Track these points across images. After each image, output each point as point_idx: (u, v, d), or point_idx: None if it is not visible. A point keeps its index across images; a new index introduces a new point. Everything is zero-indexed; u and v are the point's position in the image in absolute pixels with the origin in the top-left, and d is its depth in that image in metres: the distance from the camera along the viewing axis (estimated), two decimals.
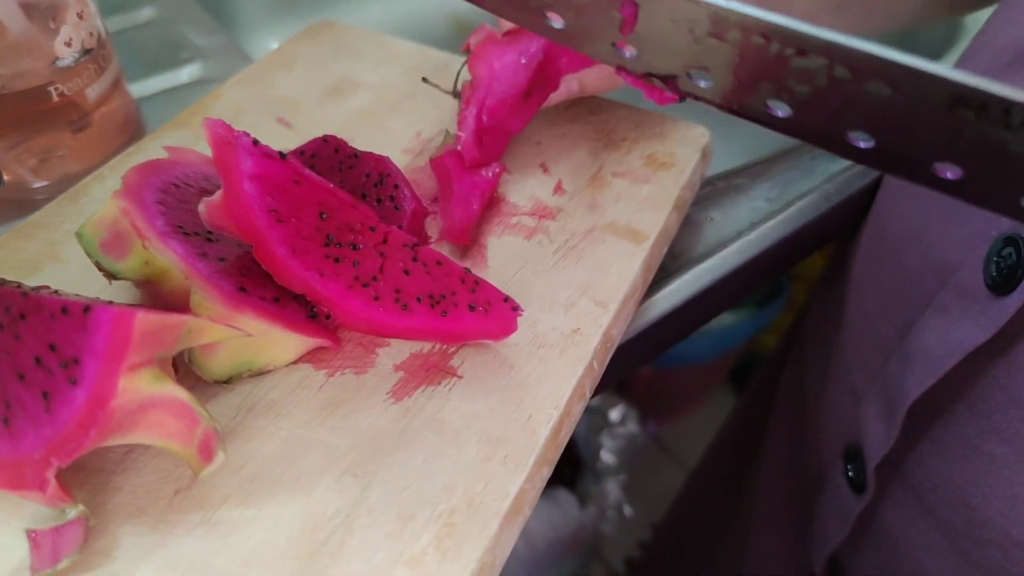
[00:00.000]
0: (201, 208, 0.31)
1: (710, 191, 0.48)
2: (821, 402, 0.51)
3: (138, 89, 0.52)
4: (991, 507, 0.35)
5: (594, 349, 0.33)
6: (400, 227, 0.35)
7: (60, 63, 0.41)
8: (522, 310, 0.32)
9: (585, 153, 0.43)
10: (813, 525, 0.49)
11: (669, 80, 0.26)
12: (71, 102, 0.42)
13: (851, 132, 0.23)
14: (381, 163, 0.37)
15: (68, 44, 0.40)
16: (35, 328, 0.26)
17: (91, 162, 0.45)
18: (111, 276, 0.32)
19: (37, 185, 0.45)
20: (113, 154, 0.46)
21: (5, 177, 0.42)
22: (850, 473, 0.44)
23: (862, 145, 0.23)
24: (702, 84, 0.26)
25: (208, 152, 0.37)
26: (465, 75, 0.41)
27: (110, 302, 0.30)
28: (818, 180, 0.50)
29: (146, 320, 0.25)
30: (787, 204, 0.48)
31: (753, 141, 0.57)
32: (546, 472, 0.31)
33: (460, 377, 0.32)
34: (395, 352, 0.33)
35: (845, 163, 0.52)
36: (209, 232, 0.33)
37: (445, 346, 0.33)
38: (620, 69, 0.27)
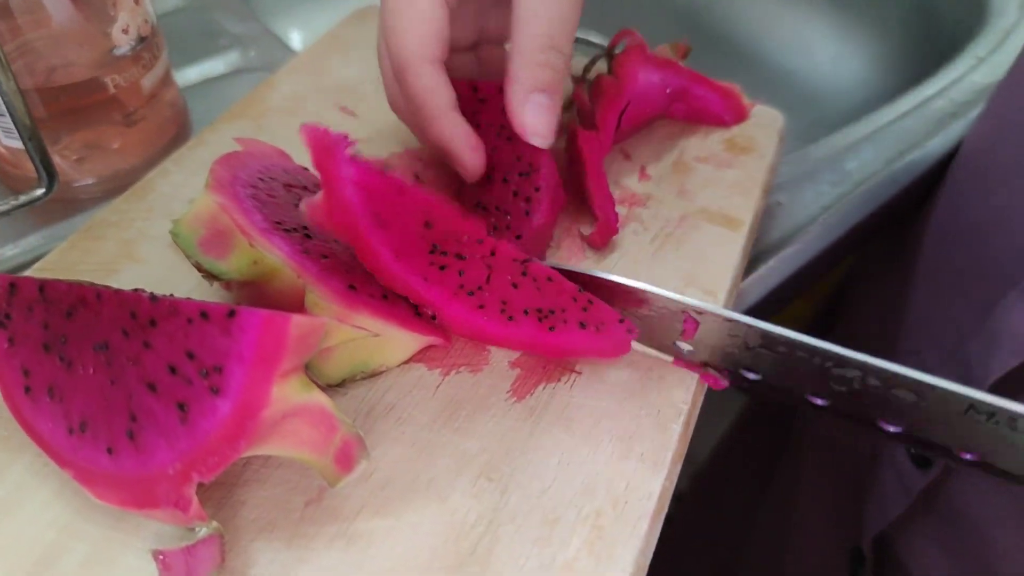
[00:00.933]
0: (302, 207, 0.29)
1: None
2: None
3: (176, 79, 0.49)
4: None
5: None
6: (519, 237, 0.33)
7: (117, 52, 0.38)
8: (637, 332, 0.30)
9: (663, 138, 0.42)
10: (864, 500, 0.49)
11: (723, 371, 0.31)
12: (126, 93, 0.40)
13: (881, 421, 0.28)
14: (537, 154, 0.34)
15: (125, 31, 0.38)
16: (168, 334, 0.24)
17: (140, 157, 0.43)
18: (212, 277, 0.30)
19: (84, 183, 0.42)
20: (163, 148, 0.44)
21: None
22: (912, 448, 0.44)
23: (891, 429, 0.28)
24: (751, 377, 0.30)
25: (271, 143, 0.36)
26: (601, 67, 0.40)
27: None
28: (881, 163, 0.50)
29: (300, 323, 0.23)
30: (854, 186, 0.47)
31: (811, 128, 0.57)
32: (679, 467, 0.30)
33: (579, 373, 0.31)
34: (508, 349, 0.32)
35: (906, 144, 0.51)
36: (304, 227, 0.31)
37: None
38: (678, 359, 0.31)
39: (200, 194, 0.30)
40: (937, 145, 0.51)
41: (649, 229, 0.37)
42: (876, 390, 0.27)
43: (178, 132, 0.45)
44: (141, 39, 0.39)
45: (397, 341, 0.30)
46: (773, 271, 0.41)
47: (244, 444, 0.23)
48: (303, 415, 0.25)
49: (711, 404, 0.33)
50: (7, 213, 0.37)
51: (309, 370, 0.29)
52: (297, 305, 0.29)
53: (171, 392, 0.24)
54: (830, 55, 0.74)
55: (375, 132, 0.41)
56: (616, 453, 0.29)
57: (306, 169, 0.35)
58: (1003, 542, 0.40)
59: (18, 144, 0.37)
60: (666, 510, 0.28)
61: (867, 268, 0.59)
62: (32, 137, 0.36)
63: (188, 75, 0.50)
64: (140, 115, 0.41)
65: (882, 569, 0.49)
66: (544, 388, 0.30)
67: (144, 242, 0.35)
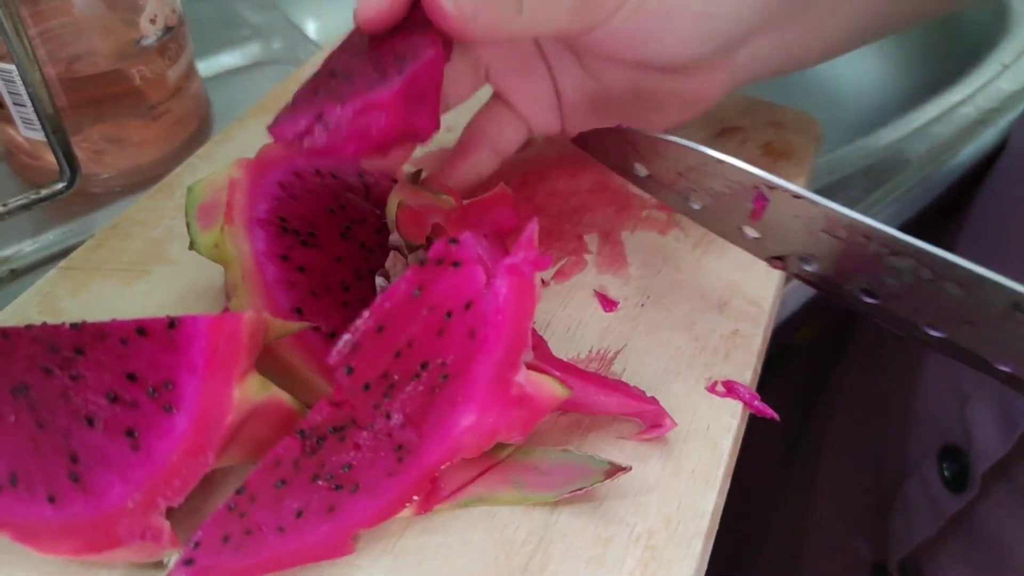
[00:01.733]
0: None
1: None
2: (910, 401, 0.50)
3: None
4: None
5: (757, 353, 0.32)
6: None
7: (144, 42, 0.37)
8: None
9: (701, 143, 0.41)
10: (891, 520, 0.49)
11: (780, 259, 0.30)
12: (150, 86, 0.39)
13: (926, 325, 0.27)
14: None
15: (153, 21, 0.37)
16: (100, 361, 0.22)
17: (161, 151, 0.42)
18: (191, 244, 0.29)
19: (103, 176, 0.41)
20: (184, 143, 0.43)
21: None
22: (946, 473, 0.43)
23: (934, 334, 0.27)
24: (807, 268, 0.29)
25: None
26: None
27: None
28: (912, 171, 0.49)
29: (251, 322, 0.22)
30: (886, 194, 0.47)
31: (832, 133, 0.56)
32: (729, 483, 0.29)
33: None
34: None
35: (937, 151, 0.51)
36: (312, 234, 0.30)
37: (604, 352, 0.31)
38: (712, 387, 0.30)
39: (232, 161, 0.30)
40: (969, 152, 0.51)
41: (690, 236, 0.36)
42: (925, 285, 0.26)
43: (200, 126, 0.44)
44: (168, 29, 0.38)
45: (323, 377, 0.27)
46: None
47: (212, 455, 0.22)
48: (264, 415, 0.23)
49: None
50: (28, 207, 0.36)
51: None
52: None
53: (114, 421, 0.22)
54: (852, 59, 0.73)
55: None
56: (667, 470, 0.28)
57: (395, 181, 0.33)
58: None
59: (39, 136, 0.36)
60: (716, 528, 0.28)
61: None
62: (56, 129, 0.35)
63: (207, 67, 0.49)
64: (164, 108, 0.40)
65: None
66: None
67: (173, 241, 0.34)
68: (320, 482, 0.23)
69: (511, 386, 0.23)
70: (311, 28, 0.68)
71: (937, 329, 0.27)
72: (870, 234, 0.26)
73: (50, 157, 0.36)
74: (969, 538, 0.43)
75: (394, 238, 0.29)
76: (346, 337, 0.22)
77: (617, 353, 0.31)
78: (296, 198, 0.30)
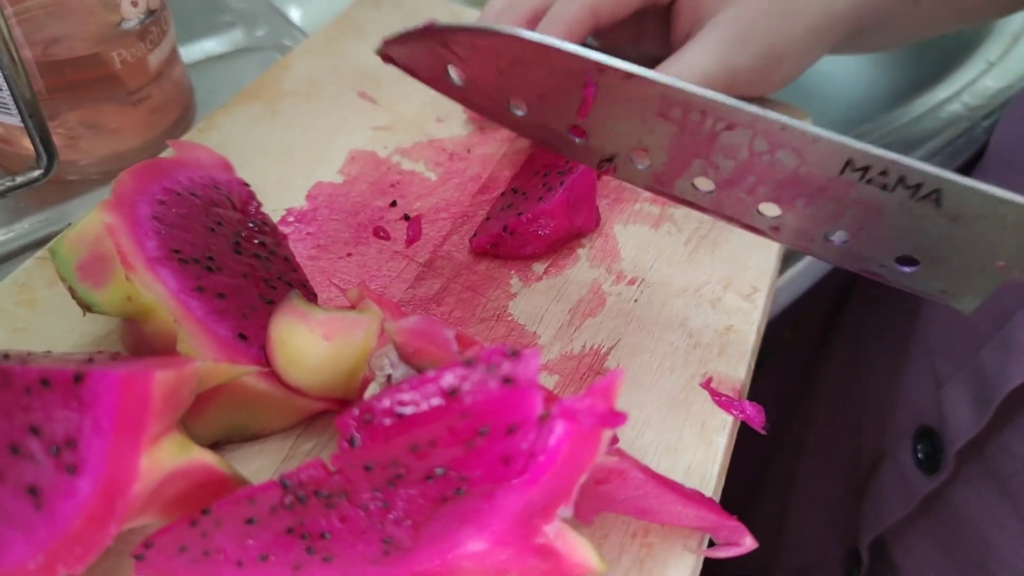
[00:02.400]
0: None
1: None
2: (888, 385, 0.51)
3: None
4: None
5: (752, 348, 0.31)
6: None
7: (125, 25, 0.36)
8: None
9: None
10: (863, 502, 0.49)
11: (610, 160, 0.29)
12: (131, 70, 0.38)
13: (762, 204, 0.27)
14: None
15: (134, 4, 0.36)
16: (6, 408, 0.21)
17: (142, 138, 0.41)
18: (86, 307, 0.25)
19: (81, 163, 0.40)
20: (166, 130, 0.42)
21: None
22: (920, 454, 0.44)
23: (770, 215, 0.27)
24: (640, 166, 0.28)
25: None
26: None
27: (116, 354, 0.25)
28: None
29: (166, 380, 0.20)
30: None
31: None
32: (723, 480, 0.29)
33: None
34: (546, 353, 0.30)
35: (924, 147, 0.51)
36: (210, 258, 0.28)
37: (598, 347, 0.31)
38: (715, 393, 0.30)
39: (93, 208, 0.27)
40: (956, 148, 0.51)
41: (683, 230, 0.36)
42: (761, 157, 0.26)
43: (182, 113, 0.42)
44: (150, 12, 0.37)
45: (284, 402, 0.26)
46: (802, 274, 0.40)
47: (114, 526, 0.20)
48: (185, 477, 0.22)
49: None
50: (3, 195, 0.34)
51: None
52: (171, 350, 0.25)
53: (17, 476, 0.21)
54: (839, 55, 0.73)
55: (396, 120, 0.39)
56: (661, 467, 0.27)
57: (246, 185, 0.32)
58: (1003, 547, 0.40)
59: (15, 121, 0.34)
60: None
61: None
62: (33, 113, 0.33)
63: (189, 53, 0.48)
64: (144, 94, 0.39)
65: (878, 571, 0.49)
66: None
67: None
68: (293, 537, 0.22)
69: (537, 533, 0.21)
70: (295, 14, 0.66)
71: (772, 210, 0.27)
72: (705, 108, 0.25)
73: (26, 143, 0.35)
74: (938, 520, 0.44)
75: (377, 355, 0.26)
76: (359, 407, 0.21)
77: (611, 349, 0.31)
78: (175, 227, 0.28)
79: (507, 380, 0.20)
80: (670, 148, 0.27)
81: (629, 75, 0.26)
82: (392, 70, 0.43)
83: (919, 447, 0.44)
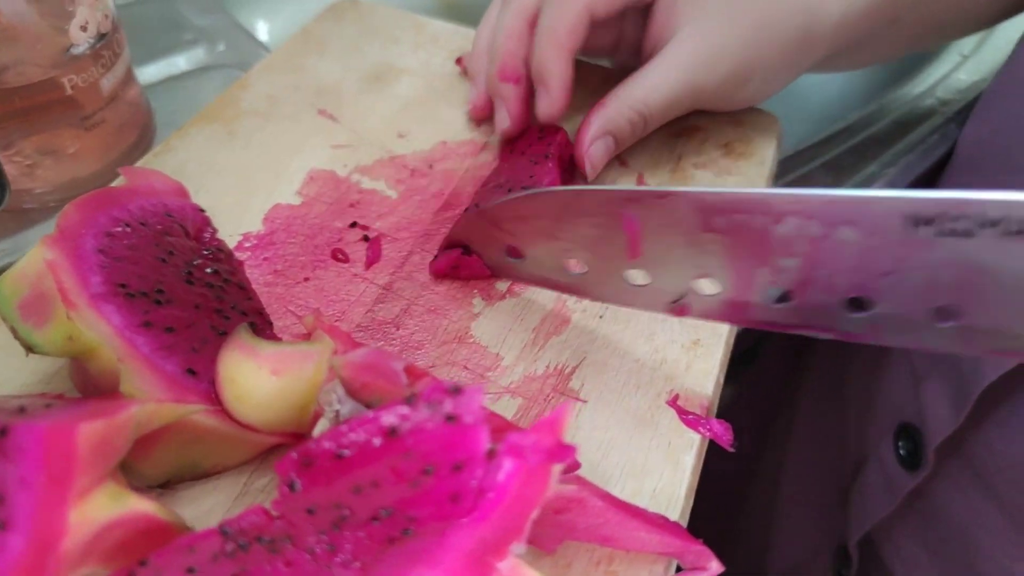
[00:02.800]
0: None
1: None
2: (869, 384, 0.50)
3: (138, 77, 0.46)
4: None
5: (720, 362, 0.31)
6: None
7: (75, 50, 0.35)
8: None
9: (660, 144, 0.40)
10: (850, 502, 0.49)
11: (677, 302, 0.27)
12: (83, 95, 0.37)
13: (846, 301, 0.24)
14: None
15: (84, 28, 0.35)
16: None
17: (100, 163, 0.40)
18: (28, 348, 0.25)
19: (37, 191, 0.39)
20: (124, 153, 0.41)
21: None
22: (901, 451, 0.43)
23: (858, 314, 0.24)
24: (708, 294, 0.27)
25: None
26: None
27: (59, 396, 0.24)
28: (873, 164, 0.48)
29: (92, 432, 0.20)
30: (848, 189, 0.46)
31: (791, 125, 0.56)
32: (692, 501, 0.28)
33: (584, 401, 0.29)
34: (509, 375, 0.30)
35: (898, 143, 0.50)
36: (160, 290, 0.27)
37: (562, 367, 0.30)
38: (682, 412, 0.29)
39: (36, 245, 0.26)
40: (928, 146, 0.50)
41: None
42: (823, 242, 0.23)
43: (141, 135, 0.42)
44: (101, 36, 0.36)
45: (236, 439, 0.26)
46: None
47: None
48: (123, 526, 0.21)
49: None
50: None
51: (121, 470, 0.24)
52: (116, 389, 0.24)
53: None
54: None
55: (357, 137, 0.39)
56: (628, 489, 0.27)
57: (201, 210, 0.32)
58: (988, 544, 0.39)
59: None
60: None
61: None
62: None
63: (150, 72, 0.47)
64: (99, 118, 0.38)
65: (867, 570, 0.48)
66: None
67: None
68: None
69: (491, 571, 0.20)
70: (262, 29, 0.66)
71: (860, 306, 0.24)
72: (740, 205, 0.23)
73: None
74: (923, 517, 0.44)
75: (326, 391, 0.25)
76: (297, 450, 0.20)
77: (575, 368, 0.30)
78: (123, 259, 0.27)
79: (450, 418, 0.19)
80: (729, 264, 0.25)
81: (662, 195, 0.25)
82: (351, 84, 0.42)
83: (901, 444, 0.44)
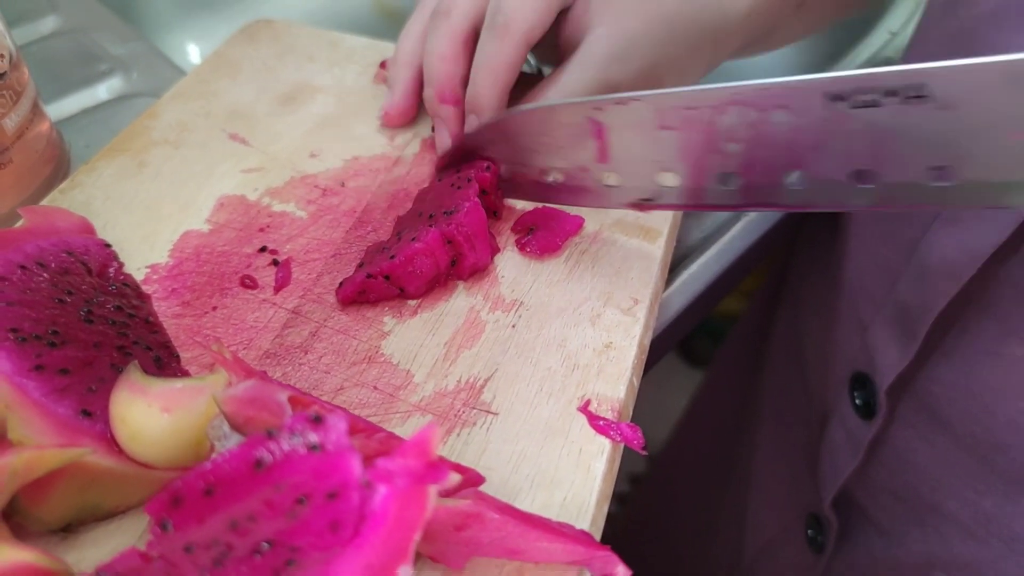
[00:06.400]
0: None
1: None
2: (823, 342, 0.50)
3: (54, 111, 0.45)
4: (1014, 407, 0.35)
5: (632, 365, 0.31)
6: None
7: None
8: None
9: None
10: (819, 462, 0.49)
11: (647, 200, 0.32)
12: None
13: (787, 176, 0.28)
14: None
15: None
16: None
17: (12, 203, 0.39)
18: None
19: None
20: (38, 190, 0.40)
21: None
22: (857, 401, 0.44)
23: (795, 183, 0.28)
24: (672, 186, 0.31)
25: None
26: None
27: None
28: None
29: None
30: None
31: None
32: (606, 507, 0.28)
33: (495, 414, 0.29)
34: (419, 391, 0.30)
35: None
36: (55, 332, 0.27)
37: (473, 380, 0.30)
38: (594, 419, 0.29)
39: None
40: None
41: (563, 247, 0.35)
42: (762, 127, 0.27)
43: (55, 170, 0.41)
44: None
45: (135, 477, 0.25)
46: (696, 276, 0.40)
47: None
48: None
49: (670, 385, 0.31)
50: None
51: (16, 515, 0.24)
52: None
53: None
54: None
55: (269, 160, 0.38)
56: (537, 502, 0.27)
57: (107, 246, 0.31)
58: (953, 483, 0.39)
59: None
60: None
61: (813, 237, 0.59)
62: None
63: (66, 106, 0.46)
64: (6, 157, 0.37)
65: (850, 530, 0.48)
66: (459, 434, 0.28)
67: None
68: None
69: None
70: (194, 52, 0.65)
71: (796, 179, 0.27)
72: (692, 101, 0.27)
73: None
74: (888, 466, 0.44)
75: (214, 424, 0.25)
76: (166, 489, 0.20)
77: (487, 381, 0.30)
78: (16, 303, 0.27)
79: (314, 447, 0.19)
80: (684, 156, 0.29)
81: (622, 100, 0.28)
82: (264, 106, 0.42)
83: (856, 395, 0.44)
